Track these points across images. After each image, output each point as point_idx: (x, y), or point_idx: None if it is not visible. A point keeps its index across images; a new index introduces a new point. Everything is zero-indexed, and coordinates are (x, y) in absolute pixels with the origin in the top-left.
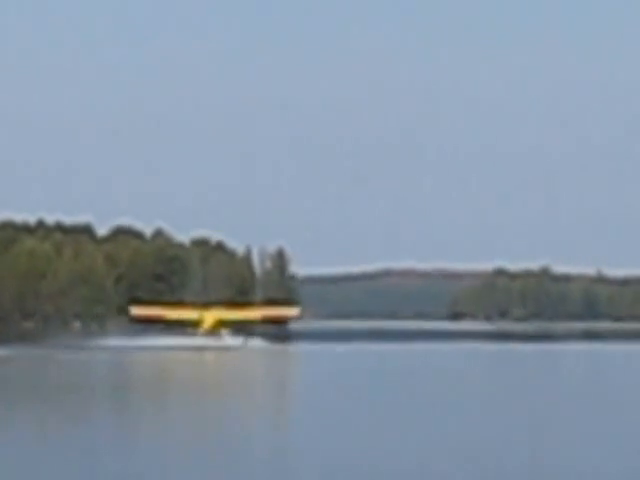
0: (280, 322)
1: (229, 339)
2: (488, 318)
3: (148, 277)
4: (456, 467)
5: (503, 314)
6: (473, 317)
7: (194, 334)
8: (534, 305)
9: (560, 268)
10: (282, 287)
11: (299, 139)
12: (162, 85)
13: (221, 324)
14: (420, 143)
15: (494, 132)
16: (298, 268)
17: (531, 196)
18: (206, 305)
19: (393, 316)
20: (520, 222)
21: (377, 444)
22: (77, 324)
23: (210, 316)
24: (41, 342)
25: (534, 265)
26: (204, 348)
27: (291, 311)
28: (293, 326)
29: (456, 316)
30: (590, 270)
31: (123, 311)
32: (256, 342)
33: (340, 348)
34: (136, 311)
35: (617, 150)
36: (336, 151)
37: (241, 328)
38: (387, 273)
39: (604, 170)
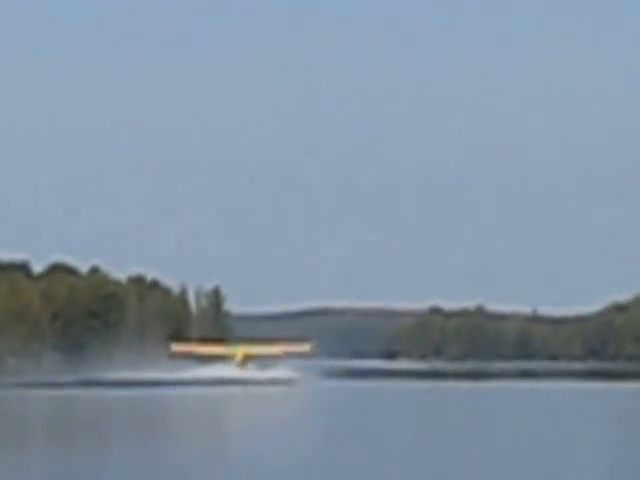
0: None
1: (279, 371)
2: (423, 357)
3: (84, 314)
4: None
5: (438, 353)
6: (408, 355)
7: (228, 366)
8: (469, 344)
9: (495, 307)
10: (217, 325)
11: (233, 177)
12: (93, 121)
13: (249, 358)
14: (352, 180)
15: (425, 169)
16: (234, 306)
17: (466, 235)
18: (234, 342)
19: (329, 354)
20: (455, 261)
21: None
22: (13, 361)
23: (240, 351)
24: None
25: (469, 304)
26: (251, 381)
27: (305, 347)
28: None
29: (391, 354)
30: (525, 309)
31: (58, 348)
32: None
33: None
34: (176, 347)
35: (552, 188)
36: (270, 189)
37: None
38: (324, 311)
39: (539, 210)
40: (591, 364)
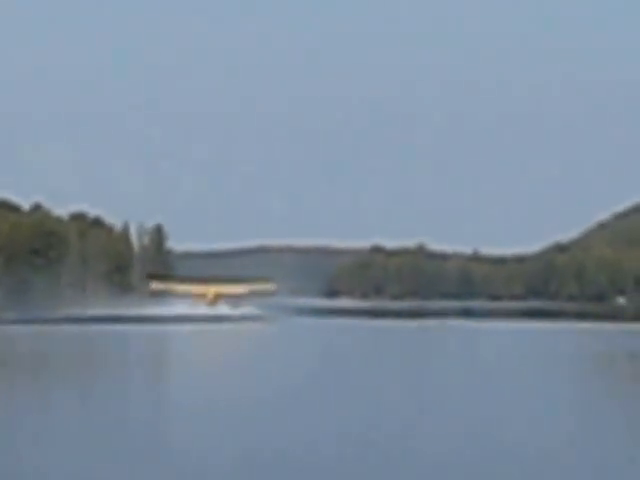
0: (262, 295)
1: (250, 309)
2: (364, 295)
3: (26, 251)
4: (331, 438)
5: (379, 291)
6: (350, 294)
7: (200, 304)
8: (410, 283)
9: (436, 246)
10: (159, 263)
11: (178, 116)
12: (48, 63)
13: (219, 296)
14: (299, 120)
15: (374, 104)
16: (175, 244)
17: (407, 174)
18: (207, 280)
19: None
20: (397, 200)
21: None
22: None
23: (211, 290)
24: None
25: (410, 243)
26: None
27: (269, 286)
28: None
29: (333, 293)
30: (466, 248)
31: (0, 285)
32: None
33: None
34: (155, 286)
35: (496, 129)
36: (214, 127)
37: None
38: (264, 249)
39: (481, 150)
40: (532, 303)
